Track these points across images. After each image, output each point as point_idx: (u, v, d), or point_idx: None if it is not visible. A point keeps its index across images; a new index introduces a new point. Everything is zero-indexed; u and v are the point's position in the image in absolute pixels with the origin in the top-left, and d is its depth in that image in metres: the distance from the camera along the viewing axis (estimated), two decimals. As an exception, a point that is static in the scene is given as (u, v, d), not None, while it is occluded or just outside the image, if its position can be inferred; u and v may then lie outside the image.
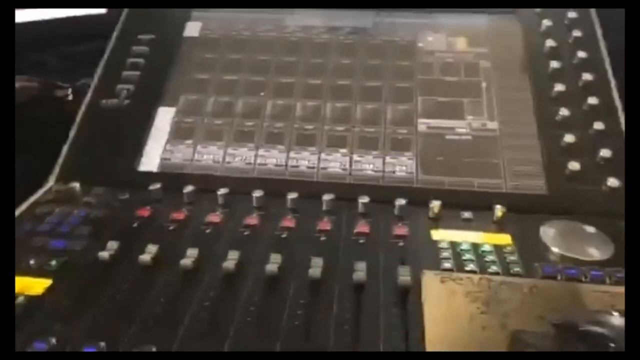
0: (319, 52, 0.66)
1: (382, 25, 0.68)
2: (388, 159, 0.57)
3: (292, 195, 0.52)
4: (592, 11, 0.64)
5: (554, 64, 0.60)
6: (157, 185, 0.53)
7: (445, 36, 0.67)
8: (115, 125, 0.60)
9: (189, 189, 0.53)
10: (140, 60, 0.64)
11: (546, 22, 0.64)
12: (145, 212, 0.51)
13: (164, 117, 0.61)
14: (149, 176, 0.56)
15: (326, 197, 0.52)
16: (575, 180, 0.53)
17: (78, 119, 0.60)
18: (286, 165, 0.57)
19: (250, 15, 0.70)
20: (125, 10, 0.69)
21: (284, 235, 0.48)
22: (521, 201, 0.52)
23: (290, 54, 0.66)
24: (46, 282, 0.42)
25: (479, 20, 0.68)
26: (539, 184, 0.54)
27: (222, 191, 0.53)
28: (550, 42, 0.62)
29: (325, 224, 0.49)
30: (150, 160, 0.58)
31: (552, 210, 0.51)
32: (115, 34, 0.67)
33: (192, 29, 0.69)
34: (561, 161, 0.54)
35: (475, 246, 0.47)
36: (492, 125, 0.59)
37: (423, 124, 0.59)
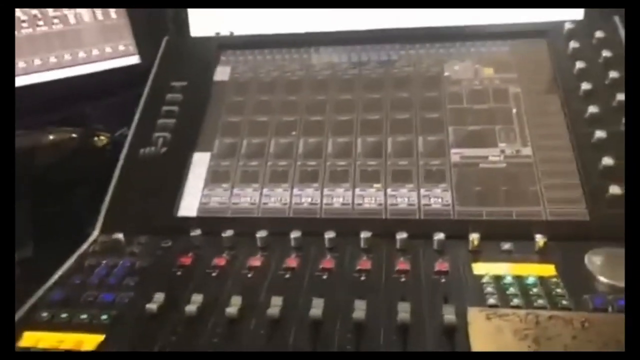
0: (346, 88, 0.67)
1: (407, 57, 0.69)
2: (423, 192, 0.57)
3: (329, 235, 0.53)
4: (621, 30, 0.64)
5: (586, 86, 0.60)
6: (198, 232, 0.54)
7: (471, 64, 0.67)
8: (154, 174, 0.61)
9: (228, 233, 0.54)
10: (175, 108, 0.66)
11: (573, 44, 0.63)
12: (187, 259, 0.52)
13: (200, 162, 0.62)
14: (189, 221, 0.57)
15: (364, 234, 0.52)
16: (618, 204, 0.51)
17: (117, 169, 0.62)
18: (321, 203, 0.58)
19: (277, 56, 0.72)
20: (158, 58, 0.72)
21: (324, 277, 0.49)
22: (562, 229, 0.51)
23: (318, 93, 0.67)
24: (99, 338, 0.43)
25: (503, 47, 0.68)
26: (580, 210, 0.53)
27: (260, 234, 0.53)
28: (580, 64, 0.61)
29: (364, 263, 0.50)
30: (189, 206, 0.59)
31: (595, 237, 0.50)
32: (149, 83, 0.69)
33: (222, 73, 0.71)
34: (602, 185, 0.53)
35: (519, 279, 0.46)
36: (526, 151, 0.58)
37: (456, 154, 0.59)
